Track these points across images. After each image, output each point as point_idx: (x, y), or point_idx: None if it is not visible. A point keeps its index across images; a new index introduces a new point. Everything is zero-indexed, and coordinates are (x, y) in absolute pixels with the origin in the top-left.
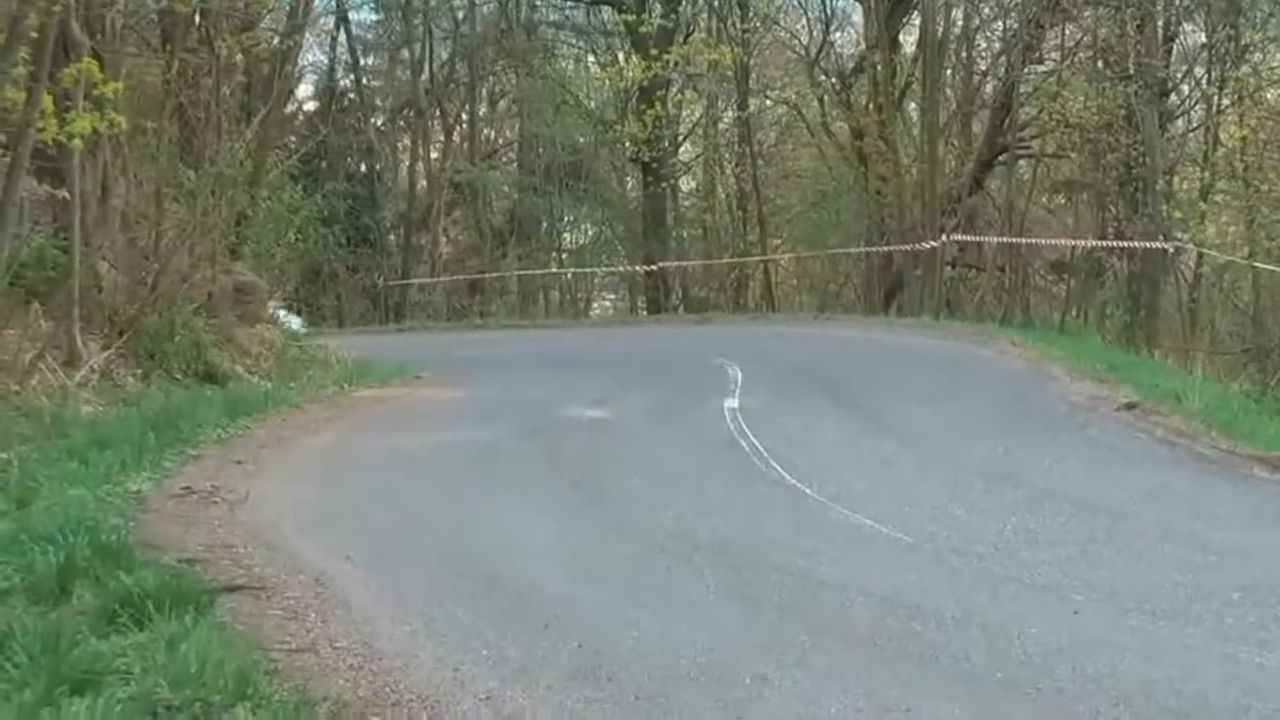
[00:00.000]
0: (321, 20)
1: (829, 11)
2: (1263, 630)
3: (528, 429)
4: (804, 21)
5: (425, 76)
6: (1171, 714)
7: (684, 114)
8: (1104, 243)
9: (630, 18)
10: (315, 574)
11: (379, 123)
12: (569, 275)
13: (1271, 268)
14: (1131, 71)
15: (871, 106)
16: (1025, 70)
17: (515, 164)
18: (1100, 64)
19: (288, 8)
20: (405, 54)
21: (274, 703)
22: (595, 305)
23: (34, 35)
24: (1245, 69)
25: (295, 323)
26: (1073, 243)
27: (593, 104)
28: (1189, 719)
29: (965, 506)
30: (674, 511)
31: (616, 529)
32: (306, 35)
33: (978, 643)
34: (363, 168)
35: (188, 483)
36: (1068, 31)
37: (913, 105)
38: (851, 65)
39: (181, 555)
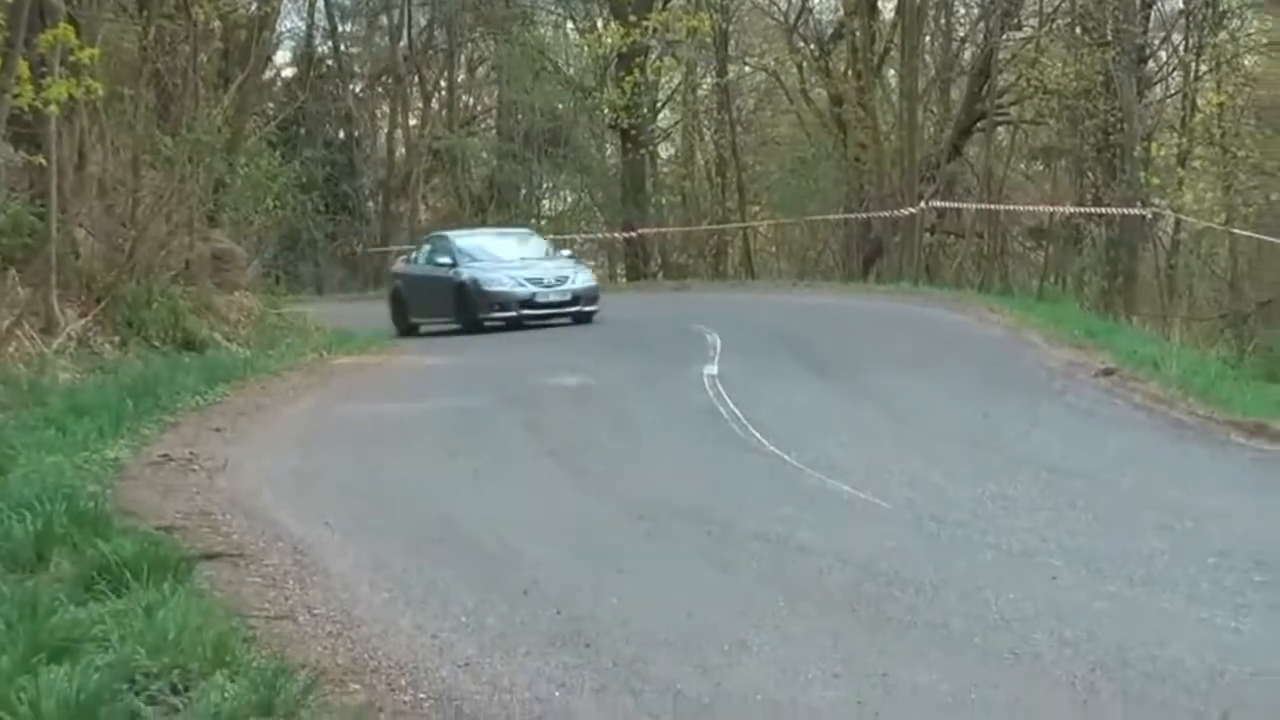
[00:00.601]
0: None
1: None
2: (1238, 595)
3: (507, 397)
4: None
5: (404, 43)
6: (1148, 679)
7: (663, 81)
8: (1082, 209)
9: None
10: (294, 541)
11: (357, 89)
12: (548, 239)
13: (1248, 234)
14: (1109, 38)
15: (850, 73)
16: (1004, 36)
17: (494, 131)
18: (1078, 30)
19: None
20: (384, 20)
21: (252, 670)
22: None
23: (9, 0)
24: (1223, 35)
25: (584, 275)
26: (1051, 209)
27: (571, 71)
28: (1165, 684)
29: (943, 473)
30: (653, 478)
31: (596, 496)
32: (284, 1)
33: (955, 608)
34: (341, 134)
35: (166, 450)
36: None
37: (891, 72)
38: (830, 31)
39: (160, 523)
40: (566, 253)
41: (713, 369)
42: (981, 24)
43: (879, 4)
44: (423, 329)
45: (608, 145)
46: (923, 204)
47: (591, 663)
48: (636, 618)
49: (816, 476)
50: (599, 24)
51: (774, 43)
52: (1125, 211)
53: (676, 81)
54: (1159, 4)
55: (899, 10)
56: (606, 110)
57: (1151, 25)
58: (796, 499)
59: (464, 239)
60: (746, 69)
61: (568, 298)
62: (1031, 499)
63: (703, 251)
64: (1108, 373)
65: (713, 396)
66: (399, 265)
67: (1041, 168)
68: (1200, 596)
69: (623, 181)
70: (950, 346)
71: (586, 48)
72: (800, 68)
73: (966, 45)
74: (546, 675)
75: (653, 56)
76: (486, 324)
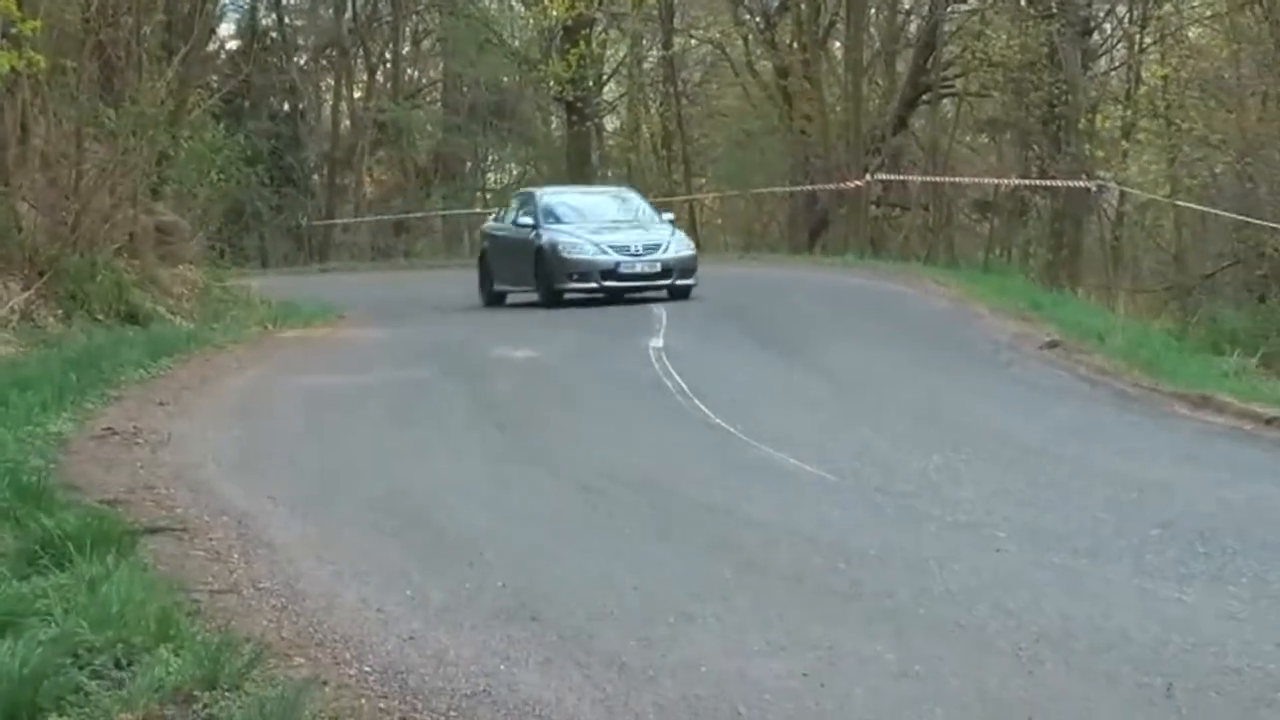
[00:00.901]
0: None
1: None
2: (1182, 566)
3: (454, 369)
4: None
5: (348, 15)
6: (1091, 650)
7: (608, 53)
8: (1027, 181)
9: None
10: (238, 515)
11: (302, 61)
12: (495, 215)
13: (1193, 206)
14: (1054, 10)
15: (796, 45)
16: (949, 9)
17: (439, 103)
18: (1023, 2)
19: None
20: None
21: (196, 644)
22: None
23: None
24: (1167, 7)
25: (680, 243)
26: (996, 181)
27: (517, 43)
28: (1109, 654)
29: (889, 444)
30: (600, 451)
31: (542, 468)
32: None
33: (900, 580)
34: (286, 107)
35: (109, 424)
36: None
37: (837, 44)
38: (776, 4)
39: (103, 497)
40: (668, 216)
41: (658, 342)
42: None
43: None
44: (509, 299)
45: (553, 118)
46: (868, 177)
47: (537, 635)
48: (582, 590)
49: (763, 448)
50: None
51: (719, 15)
52: (1070, 184)
53: (622, 54)
54: None
55: None
56: (552, 83)
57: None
58: (742, 471)
59: (551, 196)
60: (692, 41)
61: (657, 269)
62: (977, 471)
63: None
64: (1053, 345)
65: (659, 369)
66: (488, 224)
67: (987, 140)
68: (1145, 568)
69: (568, 155)
70: (896, 319)
71: (532, 20)
72: (746, 40)
73: (912, 18)
74: (492, 648)
75: (598, 29)
76: (566, 296)
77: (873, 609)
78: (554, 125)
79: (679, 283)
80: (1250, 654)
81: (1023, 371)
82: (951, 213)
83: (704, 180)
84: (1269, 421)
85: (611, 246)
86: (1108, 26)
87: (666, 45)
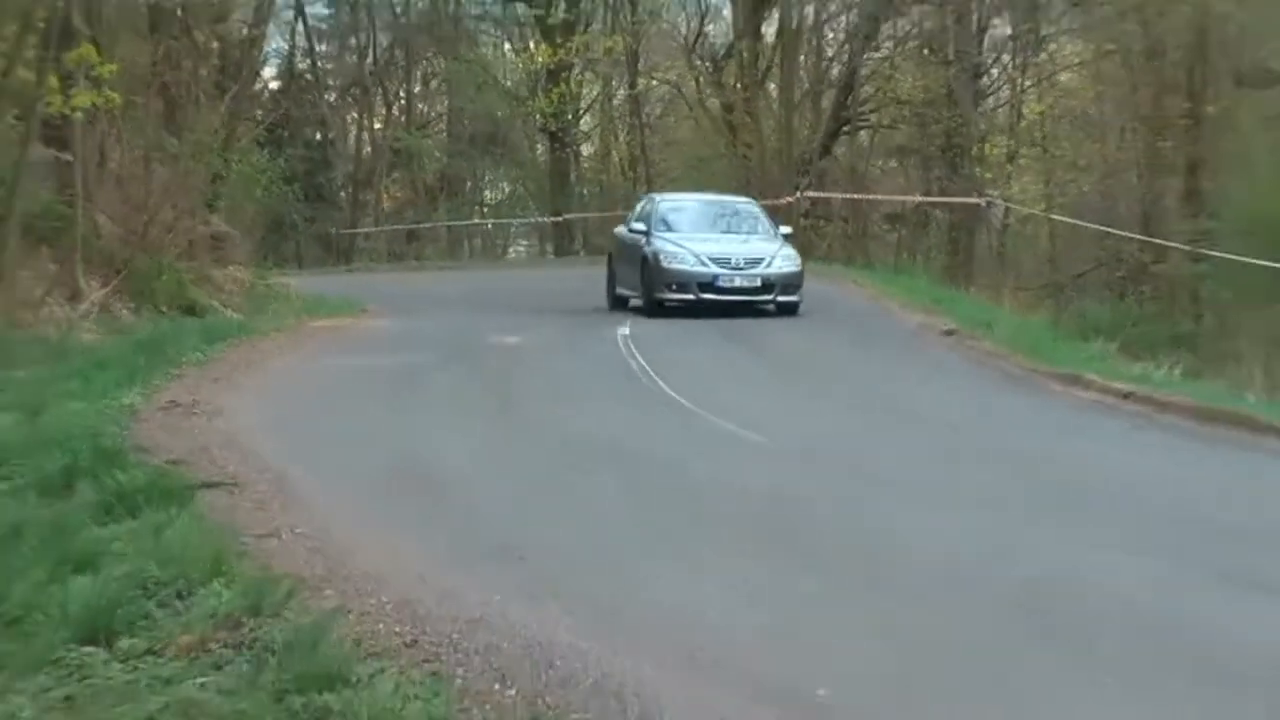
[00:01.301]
0: (282, 12)
1: (703, 6)
2: (1058, 515)
3: (455, 353)
4: (683, 15)
5: (369, 60)
6: (977, 579)
7: (584, 92)
8: (929, 199)
9: (539, 12)
10: (278, 473)
11: (331, 98)
12: (490, 225)
13: (1064, 219)
14: (951, 57)
15: (739, 86)
16: (864, 56)
17: (444, 133)
18: (925, 51)
19: (255, 3)
20: (353, 41)
21: (243, 579)
22: (511, 250)
23: (41, 25)
24: (1043, 56)
25: (786, 258)
26: (903, 198)
27: (508, 83)
28: (992, 583)
29: (817, 414)
30: (578, 422)
31: (529, 436)
32: (270, 26)
33: (821, 524)
34: (317, 136)
35: (172, 397)
36: (899, 24)
37: (773, 85)
38: (722, 51)
39: (167, 457)
40: (785, 230)
41: (626, 330)
42: (846, 45)
43: (762, 29)
44: (632, 303)
45: (538, 145)
46: (799, 194)
47: (524, 575)
48: (562, 539)
49: (713, 420)
50: (531, 45)
51: (675, 60)
52: (964, 200)
53: (595, 92)
54: (992, 30)
55: (779, 34)
56: (537, 116)
57: (985, 47)
58: (696, 438)
59: (668, 203)
60: (653, 82)
61: (756, 284)
62: (890, 435)
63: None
64: (950, 333)
65: (626, 353)
66: (619, 228)
67: (895, 164)
68: (1028, 519)
69: (550, 176)
70: (823, 312)
71: (521, 64)
72: (697, 81)
73: (834, 63)
74: (487, 584)
75: (575, 71)
76: (665, 305)
77: (799, 547)
78: (539, 151)
79: (781, 299)
80: (1115, 581)
81: (927, 354)
82: (867, 224)
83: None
84: (1126, 396)
85: (711, 258)
86: (995, 71)
87: (632, 85)
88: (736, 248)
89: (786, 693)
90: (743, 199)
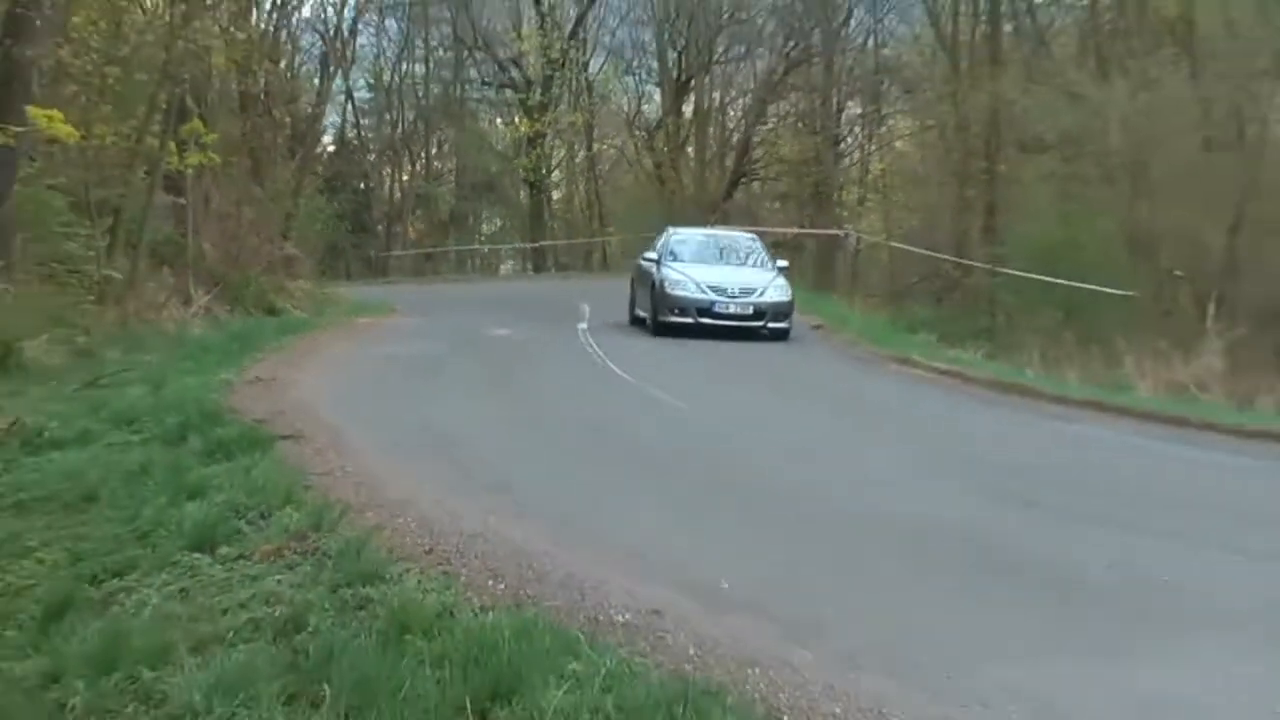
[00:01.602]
0: (337, 96)
1: (640, 92)
2: (892, 451)
3: (462, 342)
4: (625, 97)
5: (399, 130)
6: (846, 509)
7: (554, 153)
8: (803, 230)
9: (522, 95)
10: (334, 429)
11: (371, 158)
12: (486, 249)
13: (899, 245)
14: (818, 129)
15: (666, 149)
16: (756, 128)
17: (454, 182)
18: (800, 124)
19: (316, 89)
20: (387, 116)
21: (308, 505)
22: (502, 267)
23: (164, 106)
24: (884, 129)
25: (778, 289)
26: (785, 230)
27: (499, 147)
28: (839, 499)
29: (729, 388)
30: (550, 393)
31: (517, 405)
32: (328, 105)
33: (734, 470)
34: (361, 185)
35: (257, 374)
36: (781, 105)
37: (690, 148)
38: (654, 124)
39: (253, 417)
40: (782, 264)
41: (584, 325)
42: (742, 120)
43: (682, 108)
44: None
45: (521, 192)
46: (710, 227)
47: (512, 502)
48: (540, 478)
49: (651, 391)
50: (516, 119)
51: (620, 130)
52: (828, 232)
53: (562, 154)
54: (847, 109)
55: (695, 112)
56: (521, 171)
57: (842, 122)
58: (638, 406)
59: (679, 235)
60: (604, 146)
61: (749, 311)
62: (774, 398)
63: (580, 255)
64: (818, 327)
65: (584, 343)
66: (640, 259)
67: (779, 205)
68: (868, 454)
69: (530, 214)
70: None
71: (508, 133)
72: (636, 146)
73: (734, 133)
74: (484, 508)
75: (548, 139)
76: (668, 326)
77: (727, 490)
78: (522, 196)
79: (772, 325)
80: (927, 499)
81: (802, 342)
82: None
83: (612, 229)
84: (943, 372)
85: (710, 287)
86: (849, 139)
87: (589, 148)
88: (733, 277)
89: (699, 584)
90: (745, 234)
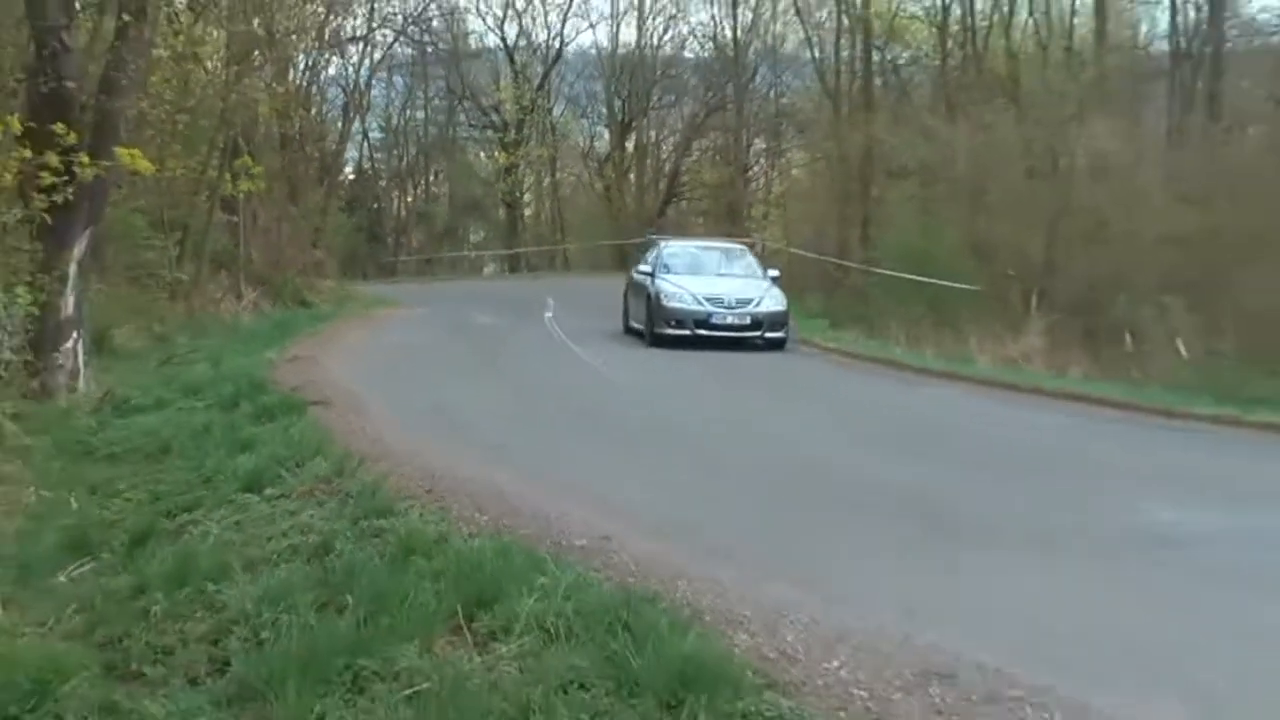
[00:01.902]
0: (356, 136)
1: (592, 132)
2: (787, 407)
3: (454, 328)
4: (581, 136)
5: (404, 162)
6: (755, 458)
7: (525, 180)
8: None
9: (500, 134)
10: (355, 398)
11: (383, 183)
12: (473, 255)
13: (796, 250)
14: (732, 160)
15: (613, 176)
16: (683, 160)
17: (448, 204)
18: (717, 157)
19: (340, 131)
20: (395, 151)
21: (333, 456)
22: (485, 269)
23: (221, 146)
24: (783, 160)
25: (774, 299)
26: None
27: (483, 174)
28: (742, 443)
29: (650, 363)
30: (525, 369)
31: (500, 380)
32: (349, 143)
33: (661, 428)
34: (376, 205)
35: (294, 354)
36: (703, 142)
37: (632, 175)
38: (604, 156)
39: (291, 387)
40: (773, 273)
41: (550, 314)
42: (673, 153)
43: (626, 143)
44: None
45: (500, 210)
46: (648, 237)
47: (501, 459)
48: (521, 436)
49: (602, 369)
50: (496, 153)
51: (577, 161)
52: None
53: (531, 180)
54: (754, 145)
55: (635, 147)
56: (499, 193)
57: (752, 154)
58: (592, 380)
59: (671, 247)
60: (566, 174)
61: (747, 322)
62: (692, 375)
63: (545, 259)
64: None
65: (550, 329)
66: (634, 271)
67: (701, 220)
68: (766, 410)
69: (506, 228)
70: None
71: (490, 164)
72: (589, 173)
73: (666, 163)
74: (479, 462)
75: (520, 168)
76: (664, 339)
77: (647, 438)
78: (500, 213)
79: (769, 335)
80: (811, 442)
81: None
82: None
83: (570, 239)
84: (831, 349)
85: (707, 298)
86: (756, 167)
87: (553, 176)
88: (730, 288)
89: (641, 516)
90: (736, 244)
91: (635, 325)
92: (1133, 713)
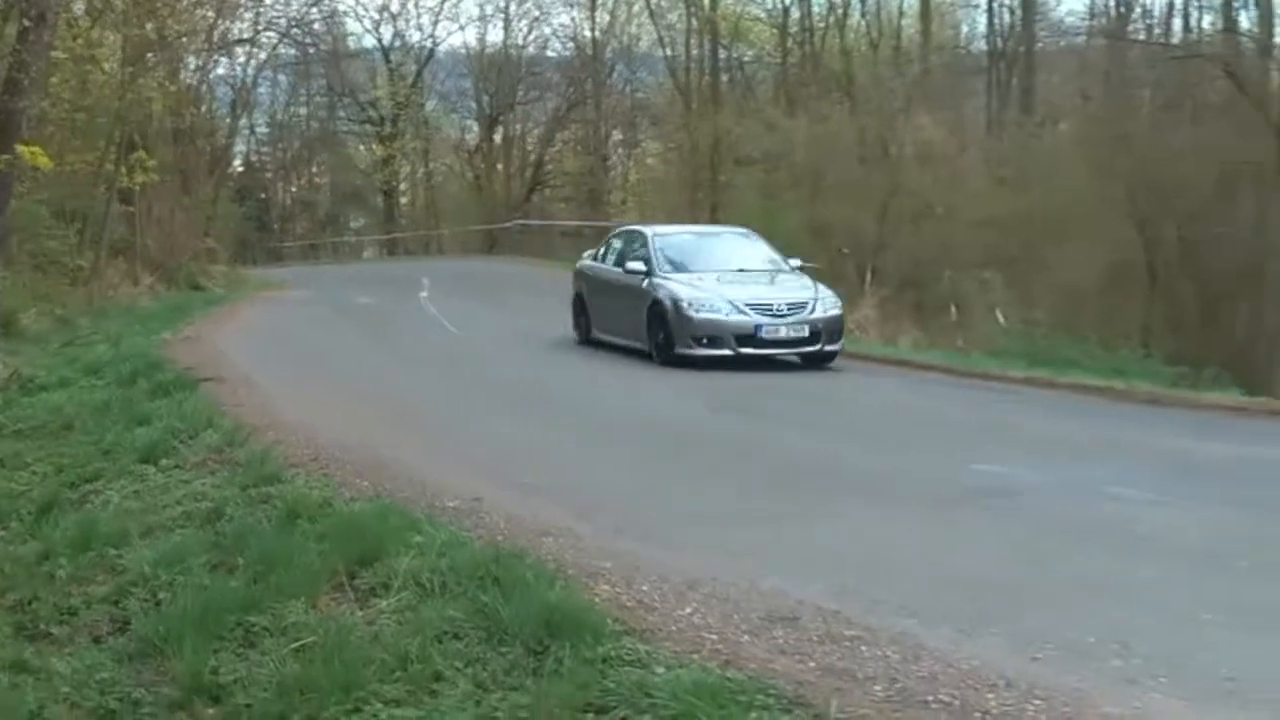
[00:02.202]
0: (244, 131)
1: (463, 125)
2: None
3: (338, 307)
4: (452, 129)
5: (288, 154)
6: (625, 421)
7: (401, 170)
8: (586, 222)
9: (378, 128)
10: (245, 374)
11: (269, 175)
12: (354, 240)
13: None
14: (592, 151)
15: (482, 166)
16: (547, 150)
17: (329, 192)
18: (579, 148)
19: (229, 127)
20: (281, 145)
21: (224, 428)
22: (365, 254)
23: (117, 140)
24: (638, 150)
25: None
26: (570, 223)
27: (362, 166)
28: (635, 423)
29: (511, 328)
30: (404, 340)
31: (380, 350)
32: (236, 138)
33: (538, 392)
34: (263, 195)
35: (187, 334)
36: (566, 134)
37: (500, 165)
38: (473, 147)
39: (185, 365)
40: (795, 262)
41: (425, 294)
42: (538, 145)
43: (494, 136)
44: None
45: (378, 198)
46: (515, 222)
47: (376, 423)
48: (408, 396)
49: (471, 340)
50: (374, 145)
51: (448, 153)
52: (603, 224)
53: (407, 170)
54: (613, 137)
55: (504, 139)
56: (377, 182)
57: (610, 145)
58: (455, 345)
59: (664, 238)
60: (438, 164)
61: (804, 333)
62: (545, 341)
63: (421, 243)
64: None
65: (425, 305)
66: (584, 262)
67: (564, 205)
68: (594, 373)
69: (384, 214)
70: (528, 282)
71: (368, 155)
72: (461, 164)
73: (532, 154)
74: (355, 429)
75: (397, 159)
76: (692, 360)
77: (538, 402)
78: (379, 201)
79: (828, 348)
80: (696, 415)
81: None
82: (552, 236)
83: (444, 225)
84: None
85: (751, 305)
86: (615, 157)
87: (426, 167)
88: (775, 290)
89: (510, 478)
90: (740, 229)
91: (610, 338)
92: (960, 648)
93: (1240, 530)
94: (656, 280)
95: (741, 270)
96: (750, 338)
